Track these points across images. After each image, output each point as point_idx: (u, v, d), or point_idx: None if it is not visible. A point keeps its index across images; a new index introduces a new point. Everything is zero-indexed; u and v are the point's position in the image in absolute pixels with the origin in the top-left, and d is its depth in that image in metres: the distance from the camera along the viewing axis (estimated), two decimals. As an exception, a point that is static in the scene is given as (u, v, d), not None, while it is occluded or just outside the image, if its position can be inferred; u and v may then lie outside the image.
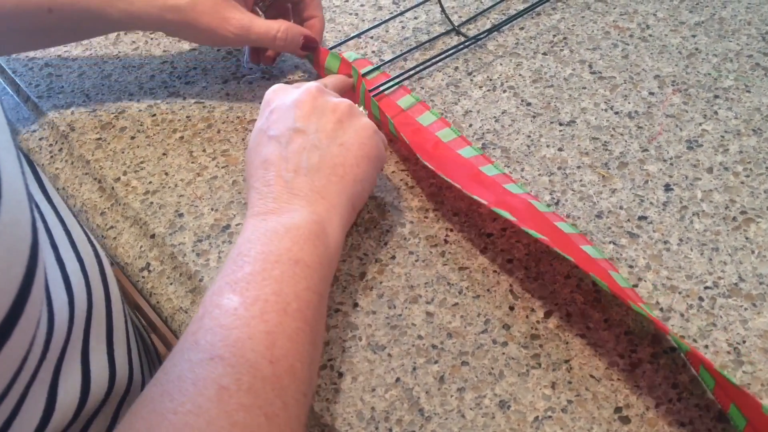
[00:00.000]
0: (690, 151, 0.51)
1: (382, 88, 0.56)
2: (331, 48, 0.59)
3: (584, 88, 0.57)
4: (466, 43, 0.60)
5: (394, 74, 0.57)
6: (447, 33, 0.62)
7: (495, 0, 0.66)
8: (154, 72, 0.61)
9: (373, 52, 0.62)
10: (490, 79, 0.58)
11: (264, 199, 0.41)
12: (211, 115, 0.57)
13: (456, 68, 0.59)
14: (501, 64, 0.59)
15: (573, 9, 0.63)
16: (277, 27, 0.54)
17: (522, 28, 0.63)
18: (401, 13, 0.64)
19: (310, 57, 0.57)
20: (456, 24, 0.62)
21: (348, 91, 0.55)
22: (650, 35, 0.61)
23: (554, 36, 0.61)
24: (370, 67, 0.57)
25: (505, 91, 0.57)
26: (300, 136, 0.43)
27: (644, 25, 0.61)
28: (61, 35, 0.55)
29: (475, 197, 0.44)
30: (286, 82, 0.49)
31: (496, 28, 0.61)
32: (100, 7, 0.51)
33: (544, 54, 0.60)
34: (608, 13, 0.63)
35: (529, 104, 0.56)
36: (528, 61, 0.59)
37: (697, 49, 0.59)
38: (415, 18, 0.65)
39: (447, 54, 0.59)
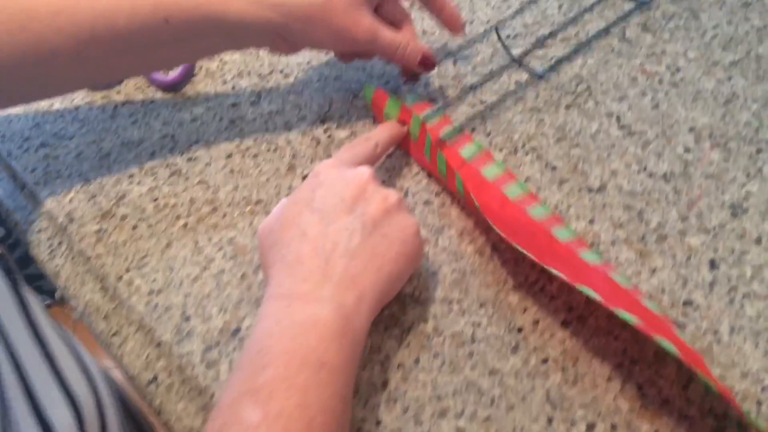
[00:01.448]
0: (734, 218, 0.47)
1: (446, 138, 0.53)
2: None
3: (613, 146, 0.52)
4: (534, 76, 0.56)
5: (454, 116, 0.54)
6: (509, 66, 0.58)
7: (555, 27, 0.61)
8: (154, 148, 0.58)
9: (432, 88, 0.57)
10: (511, 140, 0.54)
11: (293, 276, 0.39)
12: (216, 197, 0.53)
13: (473, 129, 0.55)
14: (521, 121, 0.55)
15: (595, 52, 0.58)
16: (401, 39, 0.52)
17: (541, 77, 0.58)
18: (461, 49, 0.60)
19: (368, 93, 0.56)
20: (515, 55, 0.58)
21: (403, 141, 0.53)
22: (681, 79, 0.56)
23: (577, 85, 0.57)
24: (430, 111, 0.54)
25: (527, 153, 0.53)
26: (345, 216, 0.41)
27: (674, 67, 0.57)
28: (175, 52, 0.51)
29: (554, 272, 0.40)
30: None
31: (566, 57, 0.57)
32: (220, 11, 0.48)
33: (568, 107, 0.55)
34: (634, 55, 0.58)
35: (554, 168, 0.51)
36: (550, 117, 0.55)
37: (734, 93, 0.54)
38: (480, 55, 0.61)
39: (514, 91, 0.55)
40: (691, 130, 0.52)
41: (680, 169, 0.50)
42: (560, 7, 0.64)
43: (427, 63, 0.54)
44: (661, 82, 0.56)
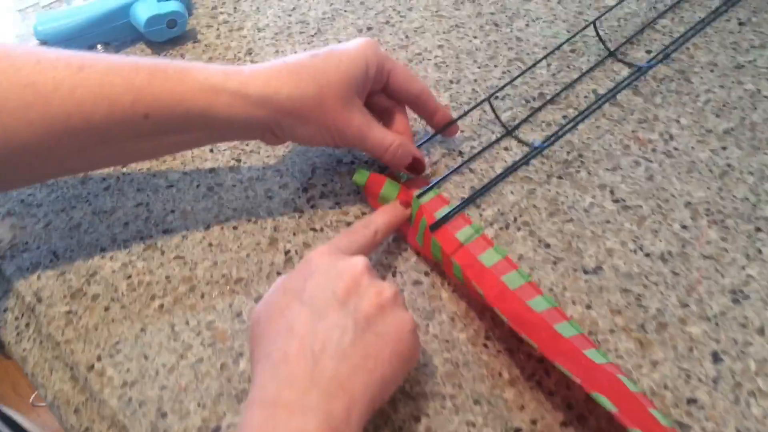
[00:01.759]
0: (736, 305, 0.45)
1: (441, 220, 0.50)
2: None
3: (608, 221, 0.50)
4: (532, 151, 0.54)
5: (448, 192, 0.51)
6: (504, 137, 0.56)
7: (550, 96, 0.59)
8: (128, 218, 0.55)
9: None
10: (502, 213, 0.52)
11: (279, 379, 0.36)
12: (194, 275, 0.51)
13: (461, 198, 0.53)
14: (512, 192, 0.53)
15: (587, 117, 0.57)
16: (391, 140, 0.50)
17: (537, 149, 0.56)
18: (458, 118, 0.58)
19: (361, 179, 0.53)
20: (509, 126, 0.56)
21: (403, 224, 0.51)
22: (675, 149, 0.54)
23: (568, 153, 0.55)
24: (425, 188, 0.53)
25: (519, 229, 0.51)
26: (336, 311, 0.38)
27: (667, 135, 0.55)
28: (156, 145, 0.48)
29: (567, 372, 0.37)
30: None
31: (563, 132, 0.55)
32: (204, 107, 0.45)
33: (560, 177, 0.54)
34: (625, 120, 0.57)
35: (548, 246, 0.49)
36: (542, 188, 0.53)
37: (729, 165, 0.53)
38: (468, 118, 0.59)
39: (514, 166, 0.53)
40: (688, 205, 0.51)
41: (678, 248, 0.49)
42: (548, 65, 0.62)
43: (416, 167, 0.51)
44: (654, 150, 0.55)
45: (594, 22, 0.60)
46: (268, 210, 0.54)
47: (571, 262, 0.49)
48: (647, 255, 0.48)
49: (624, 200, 0.52)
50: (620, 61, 0.61)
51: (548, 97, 0.59)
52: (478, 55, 0.65)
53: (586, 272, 0.48)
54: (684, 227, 0.50)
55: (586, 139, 0.56)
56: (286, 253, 0.51)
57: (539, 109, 0.58)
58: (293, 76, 0.46)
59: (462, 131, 0.58)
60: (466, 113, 0.55)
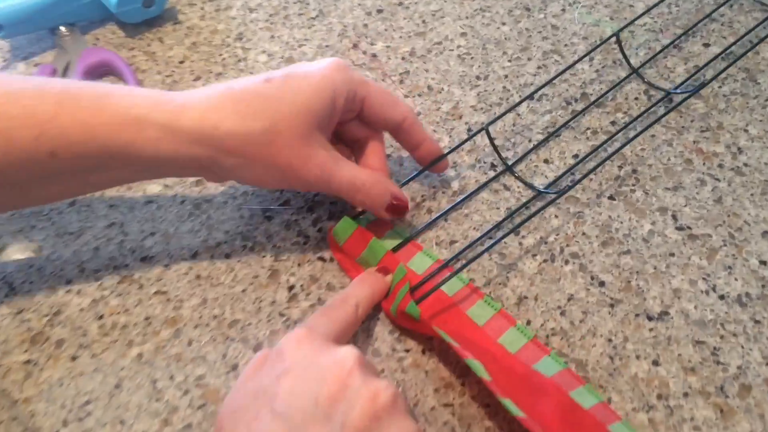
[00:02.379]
0: (833, 363, 0.38)
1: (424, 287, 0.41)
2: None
3: (672, 254, 0.43)
4: (546, 198, 0.46)
5: (429, 244, 0.43)
6: (501, 174, 0.48)
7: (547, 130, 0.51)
8: (98, 242, 0.46)
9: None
10: (545, 242, 0.44)
11: None
12: (179, 315, 0.43)
13: (496, 221, 0.45)
14: (556, 216, 0.45)
15: (638, 123, 0.49)
16: (363, 180, 0.41)
17: (575, 156, 0.48)
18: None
19: (344, 231, 0.44)
20: (509, 163, 0.48)
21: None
22: (745, 165, 0.47)
23: (620, 167, 0.47)
24: (398, 240, 0.44)
25: (567, 262, 0.43)
26: (319, 425, 0.30)
27: (735, 147, 0.48)
28: (69, 186, 0.40)
29: None
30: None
31: (578, 181, 0.47)
32: (123, 144, 0.37)
33: (611, 198, 0.46)
34: (685, 129, 0.49)
35: (602, 283, 0.42)
36: (591, 211, 0.45)
37: (810, 186, 0.46)
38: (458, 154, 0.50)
39: (521, 219, 0.45)
40: (765, 234, 0.43)
41: (757, 289, 0.41)
42: (591, 60, 0.54)
43: (397, 210, 0.43)
44: (721, 166, 0.47)
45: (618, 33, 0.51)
46: (267, 233, 0.46)
47: (632, 304, 0.41)
48: (721, 297, 0.41)
49: (689, 227, 0.44)
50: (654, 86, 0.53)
51: (552, 132, 0.51)
52: (508, 46, 0.56)
53: (650, 318, 0.41)
54: (763, 263, 0.42)
55: (640, 150, 0.48)
56: (290, 288, 0.43)
57: (541, 143, 0.50)
58: (238, 106, 0.38)
59: (454, 164, 0.49)
60: (459, 146, 0.47)
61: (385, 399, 0.31)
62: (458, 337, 0.38)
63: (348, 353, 0.32)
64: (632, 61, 0.53)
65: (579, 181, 0.43)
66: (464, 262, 0.42)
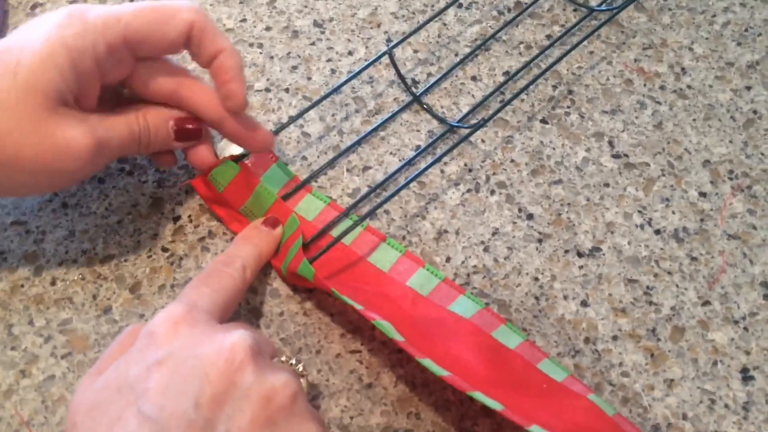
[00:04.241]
0: (769, 302, 0.36)
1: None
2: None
3: (606, 184, 0.40)
4: (453, 135, 0.41)
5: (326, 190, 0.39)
6: (408, 105, 0.43)
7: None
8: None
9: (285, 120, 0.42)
10: (470, 170, 0.40)
11: None
12: (40, 249, 0.37)
13: (417, 146, 0.41)
14: (483, 141, 0.41)
15: (575, 38, 0.45)
16: (134, 119, 0.34)
17: (506, 72, 0.44)
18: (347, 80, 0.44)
19: (224, 173, 0.37)
20: (416, 92, 0.43)
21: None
22: (689, 86, 0.44)
23: (554, 87, 0.43)
24: (284, 179, 0.39)
25: (493, 192, 0.40)
26: None
27: (679, 67, 0.44)
28: None
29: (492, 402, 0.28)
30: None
31: (490, 117, 0.42)
32: None
33: (543, 122, 0.42)
34: (626, 45, 0.45)
35: (530, 216, 0.39)
36: (522, 135, 0.42)
37: (755, 112, 0.43)
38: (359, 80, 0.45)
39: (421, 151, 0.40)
40: (706, 164, 0.41)
41: (695, 223, 0.39)
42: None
43: (187, 133, 0.36)
44: (663, 88, 0.44)
45: None
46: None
47: (562, 239, 0.38)
48: (657, 232, 0.39)
49: (627, 155, 0.41)
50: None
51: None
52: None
53: (580, 255, 0.38)
54: (702, 194, 0.40)
55: (577, 69, 0.44)
56: (175, 220, 0.38)
57: (451, 70, 0.45)
58: None
59: (370, 79, 0.45)
60: (359, 72, 0.41)
61: (282, 400, 0.27)
62: (362, 292, 0.34)
63: (238, 341, 0.27)
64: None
65: (499, 110, 0.39)
66: (369, 207, 0.38)
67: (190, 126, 0.36)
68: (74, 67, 0.31)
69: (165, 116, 0.35)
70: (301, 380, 0.31)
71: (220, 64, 0.34)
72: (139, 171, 0.40)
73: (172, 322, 0.28)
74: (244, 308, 0.36)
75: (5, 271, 0.37)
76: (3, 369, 0.34)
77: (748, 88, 0.44)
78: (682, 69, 0.45)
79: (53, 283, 0.36)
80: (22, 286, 0.36)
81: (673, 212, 0.39)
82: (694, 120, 0.43)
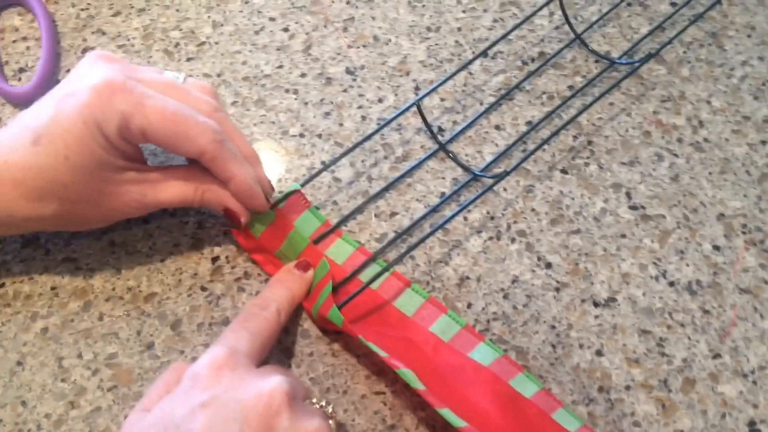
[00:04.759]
0: (778, 357, 0.38)
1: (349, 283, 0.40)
2: None
3: (623, 235, 0.42)
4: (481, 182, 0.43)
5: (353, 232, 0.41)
6: (434, 153, 0.45)
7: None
8: None
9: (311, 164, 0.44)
10: (492, 217, 0.42)
11: None
12: (89, 286, 0.40)
13: (442, 193, 0.43)
14: (505, 189, 0.43)
15: (597, 90, 0.47)
16: (192, 193, 0.38)
17: (528, 122, 0.46)
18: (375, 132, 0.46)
19: (257, 221, 0.40)
20: (443, 141, 0.45)
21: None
22: (706, 139, 0.45)
23: (575, 138, 0.45)
24: (316, 224, 0.41)
25: (513, 240, 0.42)
26: None
27: (696, 120, 0.46)
28: None
29: None
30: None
31: (514, 168, 0.44)
32: None
33: (563, 172, 0.44)
34: (645, 97, 0.47)
35: (549, 265, 0.41)
36: (542, 185, 0.44)
37: (770, 166, 0.45)
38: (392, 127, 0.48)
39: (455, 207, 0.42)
40: (720, 217, 0.43)
41: (709, 276, 0.41)
42: (551, 15, 0.51)
43: (232, 220, 0.39)
44: (680, 141, 0.46)
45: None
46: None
47: (579, 289, 0.40)
48: (671, 284, 0.40)
49: (643, 207, 0.43)
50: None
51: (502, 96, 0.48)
52: (463, -6, 0.53)
53: (596, 304, 0.39)
54: (716, 248, 0.42)
55: (597, 119, 0.46)
56: (214, 260, 0.41)
57: (476, 119, 0.47)
58: (21, 190, 0.34)
59: (398, 126, 0.47)
60: (387, 123, 0.43)
61: None
62: (387, 337, 0.36)
63: (276, 387, 0.30)
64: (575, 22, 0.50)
65: (522, 161, 0.41)
66: (396, 252, 0.40)
67: (240, 219, 0.38)
68: (103, 140, 0.34)
69: (220, 200, 0.38)
70: (330, 421, 0.33)
71: (233, 190, 0.37)
72: (180, 212, 0.43)
73: (215, 366, 0.31)
74: (276, 348, 0.38)
75: (57, 306, 0.39)
76: (54, 400, 0.37)
77: (764, 142, 0.46)
78: (700, 122, 0.46)
79: (101, 318, 0.39)
80: (72, 320, 0.39)
81: (687, 264, 0.41)
82: (709, 173, 0.44)
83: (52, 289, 0.40)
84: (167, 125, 0.34)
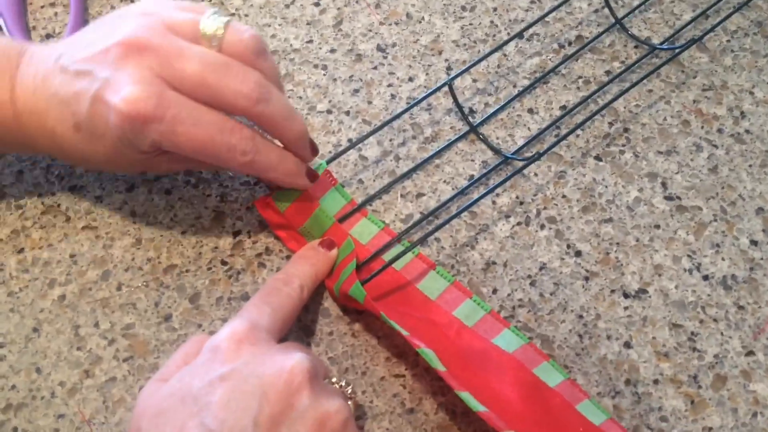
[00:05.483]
0: (815, 358, 0.36)
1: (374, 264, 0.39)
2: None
3: (657, 226, 0.40)
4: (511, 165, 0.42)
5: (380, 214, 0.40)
6: (465, 135, 0.44)
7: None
8: (22, 164, 0.42)
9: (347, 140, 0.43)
10: (521, 203, 0.41)
11: None
12: (109, 255, 0.39)
13: (470, 176, 0.42)
14: (536, 174, 0.42)
15: (635, 76, 0.45)
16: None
17: (563, 107, 0.45)
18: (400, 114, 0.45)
19: (282, 196, 0.40)
20: (474, 122, 0.44)
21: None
22: (747, 131, 0.44)
23: (610, 124, 0.44)
24: (342, 202, 0.40)
25: (543, 226, 0.40)
26: None
27: (738, 111, 0.45)
28: None
29: None
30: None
31: (545, 151, 0.43)
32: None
33: (597, 159, 0.43)
34: (686, 85, 0.46)
35: (578, 253, 0.39)
36: (575, 171, 0.42)
37: (813, 161, 0.43)
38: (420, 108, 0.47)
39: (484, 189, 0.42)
40: (759, 212, 0.41)
41: (745, 272, 0.39)
42: (591, -1, 0.50)
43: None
44: (720, 131, 0.44)
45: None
46: (213, 169, 0.42)
47: (608, 279, 0.39)
48: (705, 278, 0.39)
49: (679, 197, 0.42)
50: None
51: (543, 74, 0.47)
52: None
53: (626, 296, 0.38)
54: (754, 243, 0.40)
55: (634, 106, 0.45)
56: (235, 234, 0.40)
57: (509, 102, 0.46)
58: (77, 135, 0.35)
59: (428, 106, 0.46)
60: (416, 103, 0.42)
61: (334, 425, 0.29)
62: (409, 317, 0.36)
63: (297, 364, 0.29)
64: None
65: (554, 145, 0.40)
66: (421, 234, 0.40)
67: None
68: (140, 150, 0.35)
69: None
70: (349, 402, 0.33)
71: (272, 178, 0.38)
72: (203, 184, 0.42)
73: (236, 340, 0.30)
74: (296, 326, 0.37)
75: (75, 274, 0.39)
76: (69, 367, 0.37)
77: (808, 136, 0.44)
78: (742, 113, 0.45)
79: (119, 288, 0.39)
80: (90, 289, 0.39)
81: (723, 259, 0.40)
82: (750, 166, 0.43)
83: (71, 256, 0.40)
84: (198, 151, 0.34)
